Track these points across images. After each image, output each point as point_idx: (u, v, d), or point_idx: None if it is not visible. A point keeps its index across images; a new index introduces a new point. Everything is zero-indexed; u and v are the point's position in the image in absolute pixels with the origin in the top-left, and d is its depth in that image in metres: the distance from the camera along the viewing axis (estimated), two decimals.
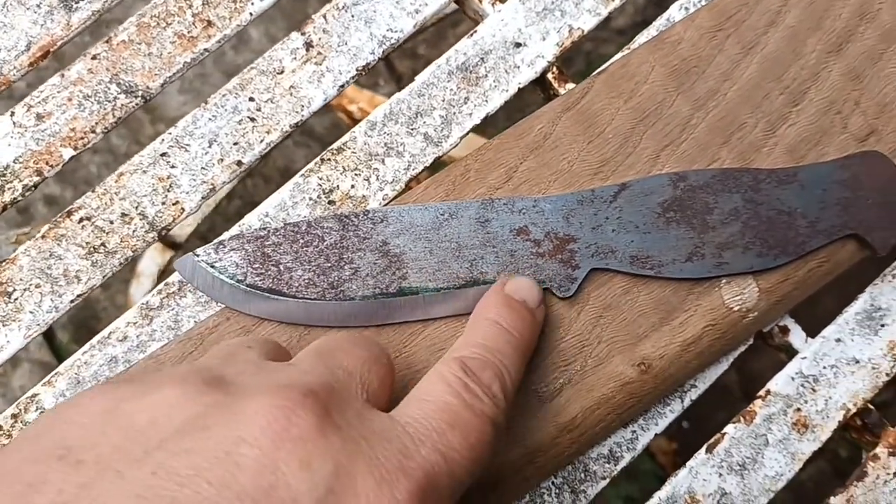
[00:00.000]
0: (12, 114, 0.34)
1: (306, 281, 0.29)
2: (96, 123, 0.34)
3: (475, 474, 0.24)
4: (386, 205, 0.34)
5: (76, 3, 0.35)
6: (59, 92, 0.34)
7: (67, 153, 0.33)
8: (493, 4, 0.36)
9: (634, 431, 0.33)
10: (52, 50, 0.34)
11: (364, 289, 0.30)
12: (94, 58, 0.34)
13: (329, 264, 0.30)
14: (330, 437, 0.21)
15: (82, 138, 0.34)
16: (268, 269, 0.29)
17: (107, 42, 0.34)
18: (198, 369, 0.23)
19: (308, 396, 0.21)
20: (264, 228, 0.29)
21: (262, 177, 0.91)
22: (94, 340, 0.32)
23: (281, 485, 0.19)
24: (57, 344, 0.81)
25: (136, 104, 0.34)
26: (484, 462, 0.24)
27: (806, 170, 0.32)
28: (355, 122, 0.60)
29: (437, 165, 0.35)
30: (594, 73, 0.34)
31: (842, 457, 0.36)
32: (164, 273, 0.62)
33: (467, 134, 0.35)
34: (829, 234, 0.32)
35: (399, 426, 0.23)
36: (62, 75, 0.34)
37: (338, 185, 0.34)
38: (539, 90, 0.37)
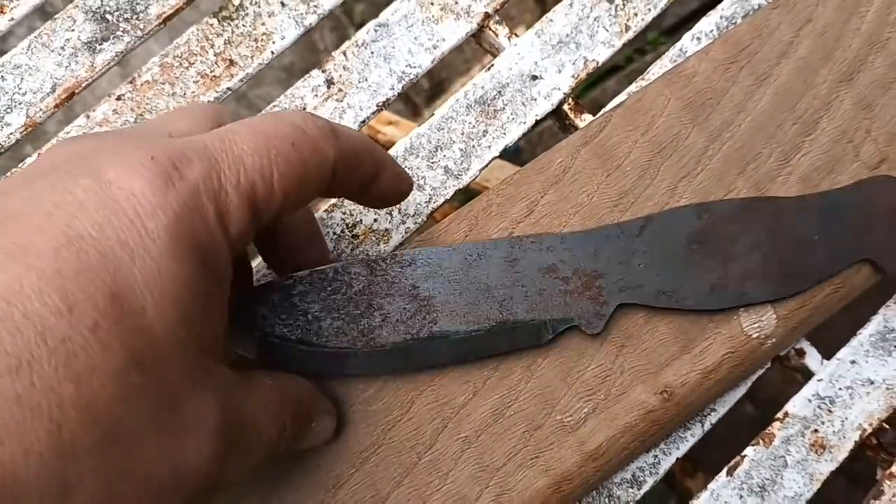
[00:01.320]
0: (39, 155, 0.34)
1: (336, 329, 0.30)
2: None
3: (268, 174, 0.24)
4: (408, 238, 0.34)
5: (100, 44, 0.35)
6: (84, 133, 0.34)
7: None
8: (509, 38, 0.37)
9: (656, 456, 0.34)
10: (76, 91, 0.35)
11: (395, 335, 0.30)
12: (118, 98, 0.35)
13: (358, 311, 0.30)
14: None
15: None
16: (296, 319, 0.30)
17: (131, 83, 0.35)
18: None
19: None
20: (290, 276, 0.30)
21: None
22: None
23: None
24: None
25: None
26: (288, 170, 0.24)
27: (822, 196, 0.33)
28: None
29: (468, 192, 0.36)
30: (611, 107, 0.35)
31: (856, 471, 0.37)
32: None
33: (486, 166, 0.36)
34: (844, 259, 0.33)
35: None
36: (88, 116, 0.35)
37: (361, 220, 0.35)
38: (555, 121, 0.37)
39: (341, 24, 1.05)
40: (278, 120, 0.24)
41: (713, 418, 0.35)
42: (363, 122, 0.35)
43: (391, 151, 0.35)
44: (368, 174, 0.27)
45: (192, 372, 0.22)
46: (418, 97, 1.01)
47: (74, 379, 0.19)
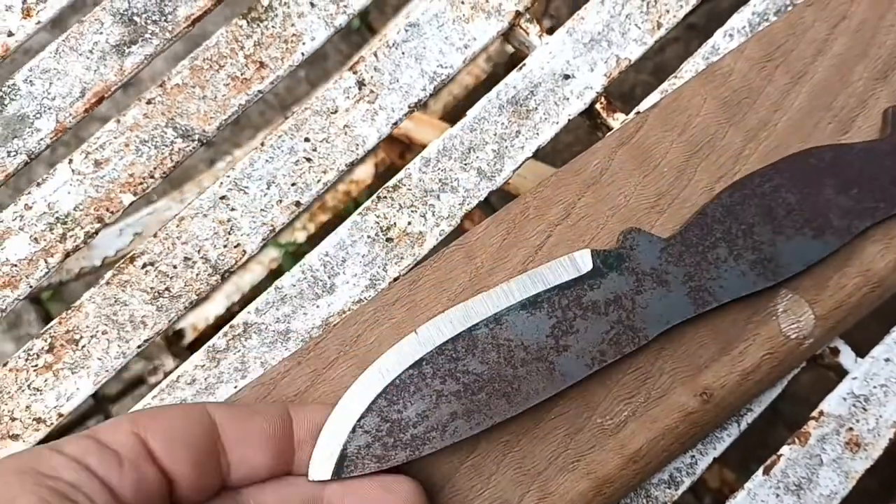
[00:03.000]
0: (70, 161, 0.34)
1: (424, 434, 0.29)
2: (154, 168, 0.34)
3: None
4: (443, 241, 0.34)
5: (128, 47, 0.35)
6: (115, 138, 0.34)
7: (127, 199, 0.34)
8: (540, 37, 0.37)
9: (693, 456, 0.34)
10: (105, 96, 0.34)
11: (472, 426, 0.30)
12: (149, 102, 0.34)
13: (437, 408, 0.29)
14: None
15: (141, 184, 0.34)
16: (397, 437, 0.29)
17: (161, 86, 0.35)
18: None
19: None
20: (369, 410, 0.29)
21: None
22: (164, 384, 0.33)
23: None
24: None
25: (194, 148, 0.34)
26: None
27: (854, 148, 0.33)
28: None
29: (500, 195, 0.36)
30: (646, 107, 0.34)
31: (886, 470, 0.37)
32: None
33: (519, 167, 0.36)
34: (875, 214, 0.32)
35: None
36: (118, 121, 0.34)
37: (395, 223, 0.34)
38: (587, 120, 0.37)
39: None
40: None
41: (749, 418, 0.35)
42: (395, 123, 0.35)
43: (423, 154, 0.35)
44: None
45: None
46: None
47: None
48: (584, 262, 0.31)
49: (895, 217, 0.33)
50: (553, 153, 0.85)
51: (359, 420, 0.28)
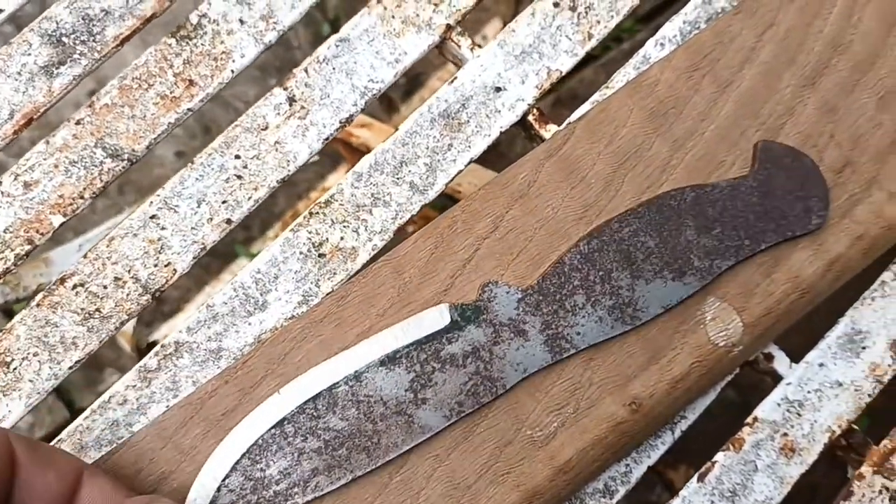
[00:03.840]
0: (0, 183, 0.34)
1: (286, 491, 0.30)
2: (84, 189, 0.34)
3: None
4: (375, 256, 0.34)
5: (57, 68, 0.35)
6: (45, 159, 0.34)
7: (57, 220, 0.34)
8: (471, 49, 0.37)
9: (628, 465, 0.34)
10: (35, 117, 0.34)
11: (333, 481, 0.30)
12: (78, 123, 0.34)
13: (299, 464, 0.30)
14: None
15: (71, 204, 0.34)
16: (260, 494, 0.30)
17: (90, 107, 0.35)
18: None
19: None
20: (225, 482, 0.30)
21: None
22: (95, 405, 0.33)
23: None
24: None
25: (123, 167, 0.34)
26: None
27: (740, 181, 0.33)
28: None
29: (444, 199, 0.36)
30: (574, 119, 0.35)
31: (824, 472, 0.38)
32: None
33: (451, 180, 0.36)
34: (739, 252, 0.33)
35: None
36: (47, 142, 0.34)
37: (327, 238, 0.34)
38: (521, 131, 0.37)
39: (315, 20, 1.04)
40: None
41: (683, 426, 0.35)
42: (326, 139, 0.35)
43: (355, 169, 0.35)
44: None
45: None
46: (394, 92, 1.00)
47: None
48: (442, 316, 0.31)
49: (765, 251, 0.33)
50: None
51: (223, 480, 0.29)
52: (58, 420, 0.89)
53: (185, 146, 0.98)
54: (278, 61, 1.05)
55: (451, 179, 0.35)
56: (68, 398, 0.89)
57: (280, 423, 0.30)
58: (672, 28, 0.37)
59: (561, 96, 1.00)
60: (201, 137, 0.99)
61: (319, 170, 0.94)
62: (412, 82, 1.01)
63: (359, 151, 0.67)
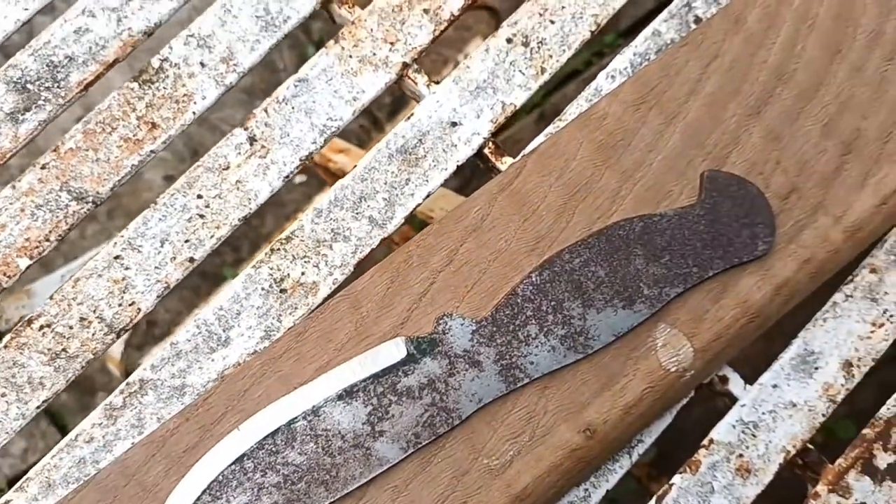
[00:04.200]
0: None
1: None
2: (50, 232, 0.35)
3: None
4: (336, 290, 0.35)
5: (22, 114, 0.36)
6: (11, 203, 0.35)
7: (24, 263, 0.35)
8: (428, 86, 0.38)
9: (587, 489, 0.35)
10: (1, 163, 0.35)
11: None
12: (43, 167, 0.35)
13: (258, 500, 0.31)
14: None
15: (37, 247, 0.35)
16: None
17: (55, 151, 0.36)
18: None
19: None
20: None
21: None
22: (62, 444, 0.33)
23: None
24: None
25: (88, 210, 0.35)
26: None
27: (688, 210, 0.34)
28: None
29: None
30: (526, 152, 0.36)
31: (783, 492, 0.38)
32: None
33: (411, 213, 0.37)
34: (688, 279, 0.33)
35: None
36: (13, 187, 0.35)
37: (288, 274, 0.35)
38: (480, 163, 0.38)
39: (300, 42, 1.05)
40: None
41: (640, 449, 0.36)
42: (286, 177, 0.36)
43: (315, 206, 0.36)
44: None
45: None
46: (380, 111, 1.02)
47: None
48: (398, 349, 0.32)
49: (714, 278, 0.34)
50: None
51: None
52: (51, 444, 0.89)
53: (174, 170, 0.99)
54: (264, 83, 1.06)
55: (410, 213, 0.36)
56: (62, 423, 0.90)
57: (240, 459, 0.31)
58: (623, 60, 0.38)
59: (503, 149, 1.01)
60: (189, 161, 1.00)
61: (307, 190, 0.95)
62: (398, 101, 1.02)
63: (338, 175, 0.68)
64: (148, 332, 0.92)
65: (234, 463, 0.31)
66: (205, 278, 0.91)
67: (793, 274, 0.35)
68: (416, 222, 0.44)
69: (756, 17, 0.36)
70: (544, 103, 0.98)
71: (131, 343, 0.89)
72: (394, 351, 0.32)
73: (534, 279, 0.33)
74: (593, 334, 0.33)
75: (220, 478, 0.31)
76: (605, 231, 0.33)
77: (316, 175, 0.91)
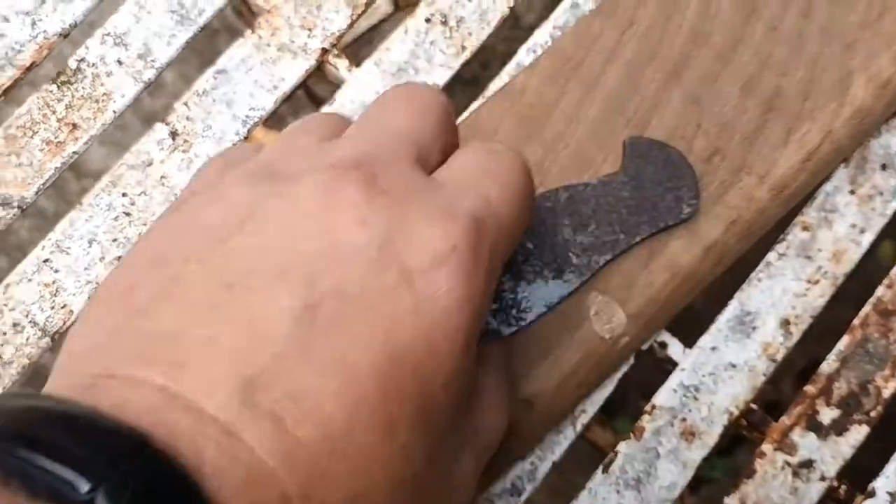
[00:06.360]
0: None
1: None
2: None
3: (517, 222, 0.27)
4: None
5: None
6: None
7: None
8: (349, 70, 0.38)
9: (533, 462, 0.35)
10: None
11: None
12: None
13: None
14: (378, 200, 0.23)
15: None
16: None
17: None
18: (256, 168, 0.25)
19: (351, 170, 0.23)
20: None
21: None
22: None
23: (341, 242, 0.22)
24: None
25: (14, 215, 0.35)
26: (523, 209, 0.27)
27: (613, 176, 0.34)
28: None
29: None
30: None
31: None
32: None
33: None
34: (616, 246, 0.34)
35: (440, 183, 0.25)
36: None
37: None
38: None
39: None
40: (486, 152, 0.27)
41: (584, 419, 0.36)
42: None
43: None
44: None
45: None
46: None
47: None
48: None
49: (642, 243, 0.34)
50: None
51: None
52: None
53: None
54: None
55: None
56: None
57: None
58: (543, 34, 0.38)
59: None
60: None
61: None
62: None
63: None
64: None
65: None
66: None
67: (720, 235, 0.35)
68: None
69: None
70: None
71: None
72: None
73: None
74: (526, 306, 0.33)
75: None
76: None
77: None
